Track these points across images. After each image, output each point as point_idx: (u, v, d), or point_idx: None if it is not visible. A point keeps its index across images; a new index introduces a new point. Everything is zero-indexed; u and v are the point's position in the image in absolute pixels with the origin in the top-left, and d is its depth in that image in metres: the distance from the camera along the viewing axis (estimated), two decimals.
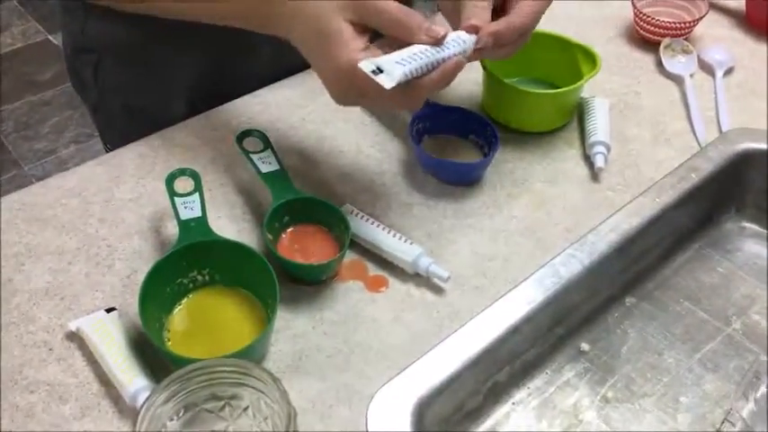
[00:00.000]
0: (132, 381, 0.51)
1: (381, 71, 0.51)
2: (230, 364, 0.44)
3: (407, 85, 0.52)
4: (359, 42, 0.53)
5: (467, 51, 0.55)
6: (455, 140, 0.74)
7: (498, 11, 0.60)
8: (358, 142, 0.74)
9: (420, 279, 0.62)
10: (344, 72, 0.53)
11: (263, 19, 0.59)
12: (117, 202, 0.67)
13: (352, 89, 0.54)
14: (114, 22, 0.72)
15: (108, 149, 0.80)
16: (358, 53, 0.52)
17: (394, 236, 0.63)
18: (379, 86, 0.50)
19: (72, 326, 0.56)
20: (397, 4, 0.53)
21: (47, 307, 0.58)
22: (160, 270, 0.55)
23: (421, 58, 0.52)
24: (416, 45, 0.53)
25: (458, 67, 0.54)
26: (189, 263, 0.57)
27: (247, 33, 0.61)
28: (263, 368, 0.44)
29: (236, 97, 0.77)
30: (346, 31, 0.53)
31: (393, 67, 0.51)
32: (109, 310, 0.57)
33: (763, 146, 0.68)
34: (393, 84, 0.51)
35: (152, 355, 0.54)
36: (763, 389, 0.47)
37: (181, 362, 0.47)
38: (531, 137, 0.75)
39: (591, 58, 0.75)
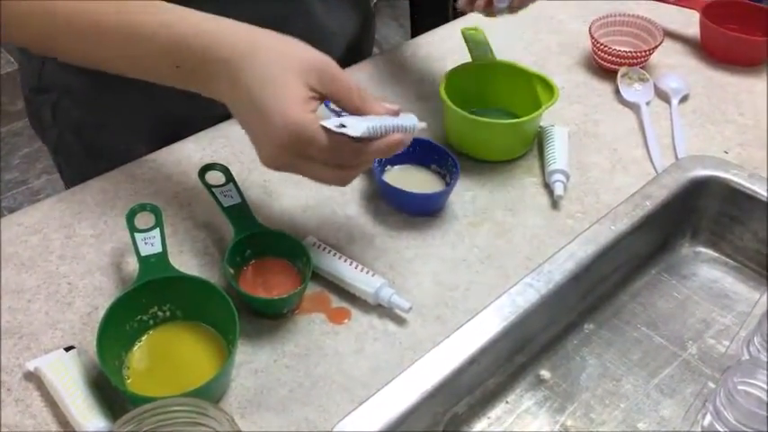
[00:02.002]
0: (90, 421, 0.51)
1: (344, 126, 0.52)
2: (185, 404, 0.44)
3: (356, 147, 0.54)
4: (313, 105, 0.53)
5: (415, 128, 0.57)
6: (417, 171, 0.75)
7: None
8: None
9: (382, 310, 0.62)
10: (291, 129, 0.51)
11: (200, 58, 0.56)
12: (78, 239, 0.66)
13: (293, 149, 0.53)
14: (70, 67, 0.73)
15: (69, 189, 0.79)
16: (311, 113, 0.53)
17: (356, 268, 0.63)
18: (326, 145, 0.52)
19: (30, 366, 0.55)
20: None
21: (5, 347, 0.58)
22: (119, 307, 0.55)
23: (378, 122, 0.54)
24: (370, 116, 0.55)
25: (406, 140, 0.56)
26: (149, 299, 0.57)
27: None
28: (218, 407, 0.44)
29: (198, 128, 0.78)
30: (304, 92, 0.53)
31: (356, 123, 0.53)
32: (68, 349, 0.56)
33: (715, 172, 0.70)
34: (358, 134, 0.52)
35: (112, 393, 0.54)
36: (708, 416, 0.48)
37: (138, 400, 0.47)
38: (492, 166, 0.77)
39: (549, 88, 0.77)
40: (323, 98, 0.55)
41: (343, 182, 0.57)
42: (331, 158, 0.54)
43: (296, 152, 0.53)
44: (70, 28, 0.57)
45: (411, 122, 0.57)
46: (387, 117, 0.55)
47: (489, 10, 0.74)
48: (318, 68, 0.54)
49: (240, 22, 0.56)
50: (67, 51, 0.60)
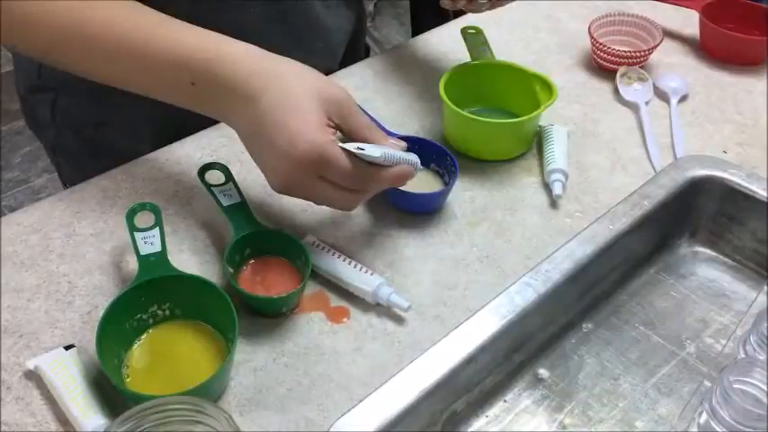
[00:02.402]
0: (89, 419, 0.51)
1: (363, 150, 0.55)
2: (184, 402, 0.44)
3: (371, 172, 0.57)
4: (331, 131, 0.56)
5: (419, 165, 0.62)
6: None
7: None
8: None
9: (381, 309, 0.63)
10: (314, 148, 0.53)
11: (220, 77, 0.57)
12: (78, 238, 0.67)
13: (311, 167, 0.54)
14: None
15: (67, 188, 0.80)
16: (332, 136, 0.55)
17: (355, 267, 0.63)
18: (345, 167, 0.54)
19: (30, 364, 0.56)
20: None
21: (5, 345, 0.58)
22: (118, 306, 0.55)
23: (391, 151, 0.58)
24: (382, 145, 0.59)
25: (413, 173, 0.60)
26: (148, 298, 0.57)
27: None
28: (216, 406, 0.45)
29: (198, 126, 0.78)
30: (324, 119, 0.55)
31: (373, 149, 0.56)
32: (67, 348, 0.57)
33: (713, 172, 0.70)
34: (377, 155, 0.56)
35: (111, 391, 0.54)
36: (704, 415, 0.48)
37: (137, 399, 0.48)
38: (491, 165, 0.77)
39: (548, 88, 0.77)
40: (337, 129, 0.57)
41: (350, 206, 0.60)
42: (346, 181, 0.56)
43: (313, 172, 0.55)
44: (82, 42, 0.58)
45: (416, 159, 0.61)
46: (397, 150, 0.59)
47: (471, 6, 0.75)
48: (338, 102, 0.56)
49: (248, 43, 0.59)
50: (76, 64, 0.61)
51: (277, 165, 0.56)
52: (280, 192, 0.58)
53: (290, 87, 0.55)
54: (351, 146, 0.55)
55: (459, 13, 0.90)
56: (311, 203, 0.70)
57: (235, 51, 0.57)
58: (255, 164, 0.59)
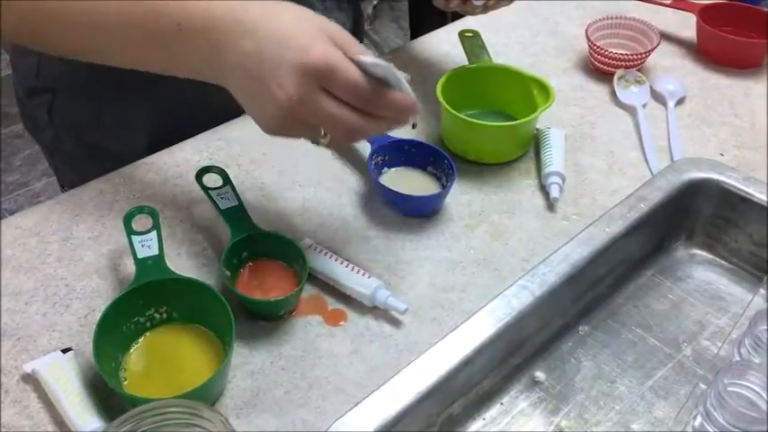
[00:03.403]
0: (87, 423, 0.52)
1: (372, 62, 0.53)
2: (180, 405, 0.44)
3: (377, 88, 0.54)
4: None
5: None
6: (414, 173, 0.75)
7: None
8: (318, 176, 0.75)
9: (378, 312, 0.63)
10: (321, 57, 0.51)
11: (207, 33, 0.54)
12: (75, 241, 0.67)
13: (319, 76, 0.51)
14: (68, 60, 0.73)
15: (65, 191, 0.80)
16: (338, 50, 0.52)
17: (352, 270, 0.63)
18: (352, 75, 0.52)
19: (27, 368, 0.56)
20: None
21: (3, 349, 0.58)
22: (116, 309, 0.56)
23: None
24: None
25: (414, 107, 0.56)
26: (145, 301, 0.58)
27: None
28: (213, 409, 0.45)
29: (196, 129, 0.78)
30: (328, 38, 0.53)
31: (381, 61, 0.53)
32: (65, 351, 0.57)
33: (710, 175, 0.70)
34: (384, 64, 0.53)
35: (109, 395, 0.54)
36: (699, 418, 0.48)
37: (134, 402, 0.48)
38: (489, 168, 0.77)
39: (545, 91, 0.77)
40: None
41: (355, 129, 0.55)
42: (353, 95, 0.53)
43: (324, 81, 0.52)
44: (58, 7, 0.55)
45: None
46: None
47: (465, 8, 0.75)
48: (339, 31, 0.54)
49: None
50: (54, 33, 0.58)
51: (284, 79, 0.52)
52: (280, 120, 0.54)
53: (289, 16, 0.53)
54: (361, 58, 0.53)
55: (456, 16, 0.90)
56: (310, 208, 0.71)
57: None
58: (248, 104, 0.56)
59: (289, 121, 0.54)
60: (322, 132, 0.57)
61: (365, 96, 0.53)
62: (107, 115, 0.79)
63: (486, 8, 0.75)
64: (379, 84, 0.54)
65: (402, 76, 0.55)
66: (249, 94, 0.55)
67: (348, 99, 0.53)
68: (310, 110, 0.53)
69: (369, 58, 0.53)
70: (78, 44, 0.59)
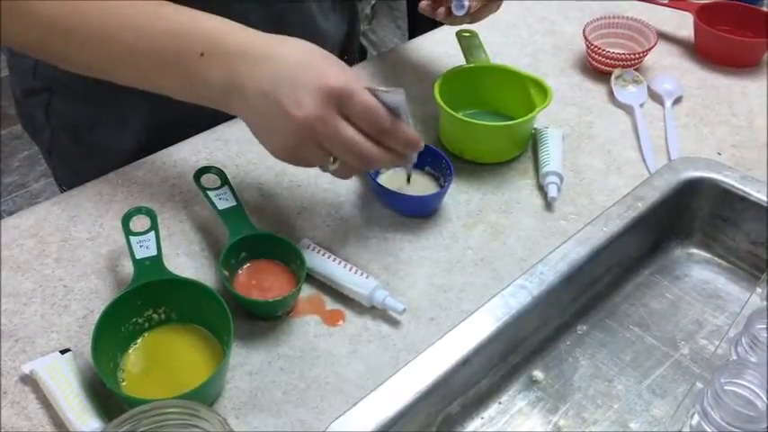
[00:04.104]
0: (85, 423, 0.52)
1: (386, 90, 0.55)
2: (179, 405, 0.45)
3: (390, 117, 0.56)
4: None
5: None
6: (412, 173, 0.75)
7: None
8: (316, 177, 0.75)
9: (376, 312, 0.63)
10: (338, 80, 0.53)
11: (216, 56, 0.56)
12: (74, 242, 0.67)
13: (338, 100, 0.53)
14: None
15: (63, 191, 0.80)
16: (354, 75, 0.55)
17: (350, 270, 0.64)
18: (367, 100, 0.54)
19: (26, 368, 0.56)
20: None
21: (1, 350, 0.58)
22: (114, 310, 0.56)
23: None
24: None
25: (421, 144, 0.60)
26: (144, 302, 0.58)
27: None
28: (211, 409, 0.45)
29: (191, 129, 0.78)
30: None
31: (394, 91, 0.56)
32: (63, 352, 0.57)
33: (707, 174, 0.70)
34: (399, 96, 0.55)
35: (107, 396, 0.54)
36: (696, 417, 0.48)
37: (133, 403, 0.48)
38: (486, 168, 0.77)
39: (543, 90, 0.77)
40: None
41: (369, 156, 0.56)
42: (367, 122, 0.54)
43: (338, 103, 0.53)
44: (78, 29, 0.56)
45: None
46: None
47: (450, 19, 0.75)
48: (342, 63, 0.56)
49: (241, 23, 0.57)
50: (72, 53, 0.59)
51: (303, 98, 0.53)
52: (294, 141, 0.55)
53: (300, 47, 0.55)
54: (375, 87, 0.55)
55: None
56: (308, 209, 0.71)
57: (242, 24, 0.57)
58: (262, 127, 0.57)
59: (302, 143, 0.55)
60: (331, 159, 0.58)
61: (380, 123, 0.55)
62: (104, 115, 0.79)
63: (472, 18, 0.75)
64: (391, 114, 0.56)
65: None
66: (264, 116, 0.56)
67: (363, 124, 0.55)
68: (328, 130, 0.54)
69: (382, 87, 0.55)
70: (94, 63, 0.60)
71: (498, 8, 0.76)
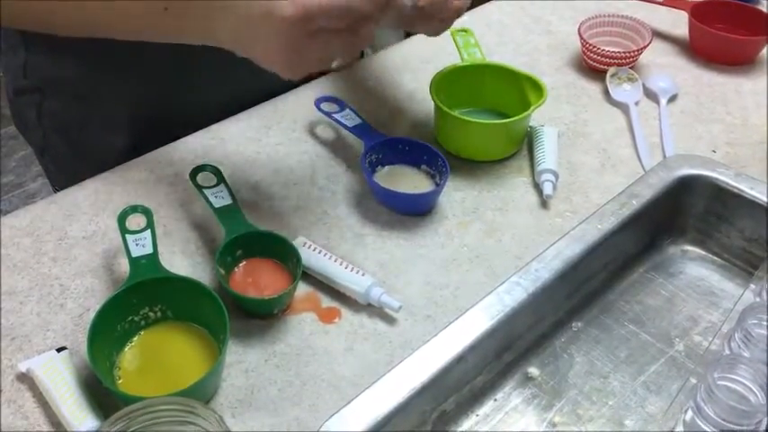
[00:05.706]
0: (82, 421, 0.52)
1: None
2: (174, 403, 0.45)
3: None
4: None
5: None
6: (408, 171, 0.75)
7: None
8: (312, 174, 0.75)
9: (372, 309, 0.63)
10: (294, 8, 0.51)
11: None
12: (70, 240, 0.67)
13: (305, 24, 0.52)
14: (55, 55, 0.72)
15: (57, 190, 0.80)
16: None
17: (346, 267, 0.64)
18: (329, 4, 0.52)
19: (22, 367, 0.56)
20: None
21: None
22: (110, 308, 0.56)
23: None
24: None
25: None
26: (140, 300, 0.58)
27: (189, 62, 0.60)
28: (207, 407, 0.45)
29: (183, 130, 0.78)
30: None
31: None
32: (60, 350, 0.57)
33: (701, 171, 0.71)
34: None
35: (104, 394, 0.54)
36: (690, 412, 0.49)
37: (129, 400, 0.48)
38: (482, 166, 0.77)
39: (538, 88, 0.78)
40: None
41: (354, 47, 0.56)
42: (337, 18, 0.53)
43: (309, 25, 0.52)
44: None
45: None
46: None
47: (426, 28, 0.68)
48: None
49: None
50: (65, 12, 0.59)
51: (277, 41, 0.53)
52: (291, 39, 0.54)
53: None
54: None
55: None
56: (304, 207, 0.71)
57: None
58: (254, 42, 0.56)
59: (300, 37, 0.53)
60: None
61: (346, 10, 0.52)
62: (93, 113, 0.79)
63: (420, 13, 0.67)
64: None
65: None
66: (253, 28, 0.55)
67: (336, 25, 0.53)
68: (315, 50, 0.54)
69: None
70: (81, 16, 0.59)
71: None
